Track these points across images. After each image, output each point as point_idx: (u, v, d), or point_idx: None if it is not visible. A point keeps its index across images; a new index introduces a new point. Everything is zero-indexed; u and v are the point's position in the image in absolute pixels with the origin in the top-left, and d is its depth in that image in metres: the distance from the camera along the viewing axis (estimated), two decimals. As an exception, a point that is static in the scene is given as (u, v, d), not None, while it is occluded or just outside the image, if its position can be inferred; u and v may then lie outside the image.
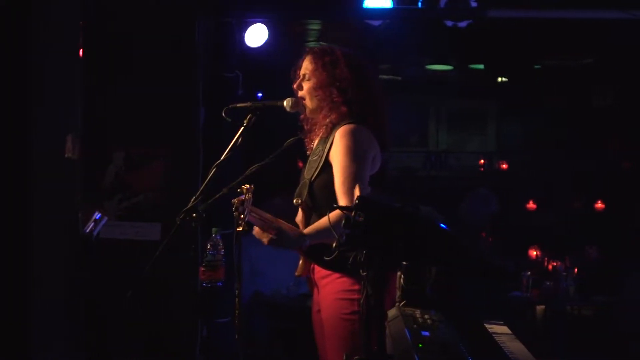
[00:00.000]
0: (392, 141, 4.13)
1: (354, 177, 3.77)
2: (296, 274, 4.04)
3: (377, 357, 2.82)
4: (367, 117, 3.96)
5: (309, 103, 4.05)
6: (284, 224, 3.79)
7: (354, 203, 2.80)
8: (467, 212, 7.39)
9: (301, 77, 4.07)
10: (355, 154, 3.84)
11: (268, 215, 3.72)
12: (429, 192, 12.57)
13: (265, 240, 3.71)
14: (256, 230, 3.72)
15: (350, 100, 3.97)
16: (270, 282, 7.37)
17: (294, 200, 3.99)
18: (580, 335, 7.58)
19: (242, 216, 3.49)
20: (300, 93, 4.06)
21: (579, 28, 7.91)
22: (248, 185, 3.52)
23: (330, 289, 3.88)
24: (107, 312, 5.34)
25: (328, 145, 3.92)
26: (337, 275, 3.84)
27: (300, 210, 4.02)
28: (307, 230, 3.80)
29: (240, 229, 3.52)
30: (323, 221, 3.78)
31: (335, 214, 3.37)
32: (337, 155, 3.86)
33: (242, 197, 3.50)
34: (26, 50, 3.82)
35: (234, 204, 3.49)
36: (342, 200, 3.75)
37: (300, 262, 4.02)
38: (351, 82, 3.98)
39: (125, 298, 3.95)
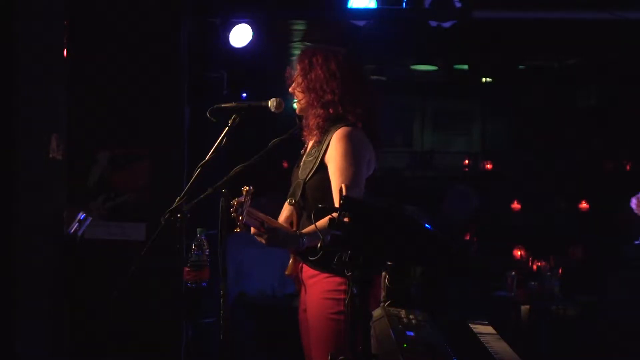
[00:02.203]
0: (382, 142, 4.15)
1: (351, 180, 3.78)
2: (286, 273, 4.04)
3: (362, 357, 2.82)
4: (359, 119, 3.96)
5: (299, 103, 4.08)
6: (279, 225, 3.80)
7: (339, 203, 2.80)
8: (448, 209, 7.39)
9: (294, 78, 4.09)
10: (352, 157, 3.85)
11: (263, 216, 3.72)
12: (413, 192, 12.57)
13: (263, 240, 3.72)
14: (253, 231, 3.72)
15: (331, 102, 3.97)
16: (256, 282, 7.36)
17: (288, 200, 4.00)
18: (565, 335, 7.59)
19: (241, 218, 3.51)
20: (294, 94, 4.10)
21: (563, 28, 7.94)
22: (248, 188, 3.53)
23: (317, 289, 3.88)
24: (91, 312, 5.33)
25: (324, 147, 3.93)
26: (324, 275, 3.85)
27: (286, 208, 4.03)
28: (305, 231, 3.81)
29: (238, 230, 3.55)
30: (322, 221, 3.78)
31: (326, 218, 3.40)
32: (334, 158, 3.87)
33: (241, 198, 3.51)
34: (11, 50, 3.81)
35: (232, 205, 3.50)
36: (338, 203, 3.76)
37: (291, 261, 4.02)
38: (329, 84, 3.98)
39: (110, 298, 3.95)
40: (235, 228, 3.57)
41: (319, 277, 3.88)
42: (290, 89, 4.10)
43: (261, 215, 3.71)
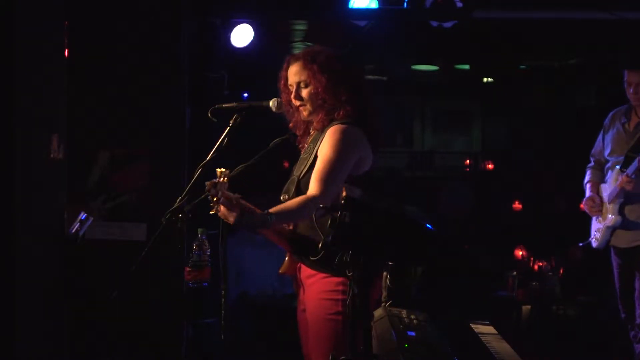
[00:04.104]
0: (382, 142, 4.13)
1: (332, 168, 3.78)
2: (280, 271, 4.04)
3: (363, 357, 2.82)
4: (363, 118, 3.96)
5: (310, 107, 4.01)
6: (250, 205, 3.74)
7: (340, 203, 2.80)
8: (443, 209, 7.45)
9: (296, 85, 4.02)
10: (340, 149, 3.84)
11: (236, 197, 3.64)
12: (413, 192, 12.56)
13: (231, 219, 3.63)
14: (222, 209, 3.60)
15: (336, 104, 3.97)
16: (256, 282, 7.37)
17: (281, 197, 3.98)
18: (566, 335, 7.60)
19: (215, 199, 3.49)
20: (298, 102, 4.02)
21: (563, 28, 7.94)
22: (222, 170, 3.51)
23: (316, 289, 3.88)
24: (91, 312, 5.32)
25: (319, 143, 3.92)
26: (322, 275, 3.85)
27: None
28: (273, 210, 3.71)
29: (214, 212, 3.53)
30: (291, 202, 3.78)
31: (301, 197, 3.41)
32: (323, 148, 3.87)
33: (215, 180, 3.49)
34: (11, 49, 3.80)
35: (206, 186, 3.48)
36: (312, 185, 3.76)
37: (286, 259, 4.02)
38: (335, 87, 3.97)
39: (110, 298, 3.94)
40: (211, 210, 3.55)
41: (317, 277, 3.88)
42: (293, 97, 4.03)
43: (236, 197, 3.63)
